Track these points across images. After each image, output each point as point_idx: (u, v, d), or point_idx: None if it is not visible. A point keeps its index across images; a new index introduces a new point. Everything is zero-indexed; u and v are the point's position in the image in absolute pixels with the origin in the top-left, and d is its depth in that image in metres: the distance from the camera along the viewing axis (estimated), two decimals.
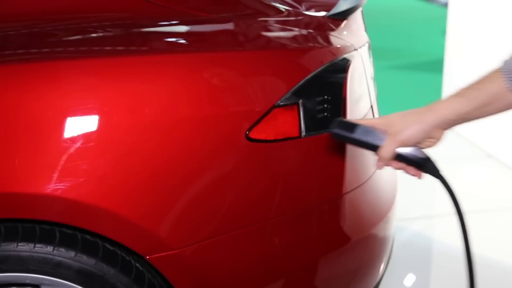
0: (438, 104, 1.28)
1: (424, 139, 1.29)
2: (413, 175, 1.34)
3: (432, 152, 1.32)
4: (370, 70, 1.88)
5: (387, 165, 1.32)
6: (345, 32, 1.69)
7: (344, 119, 1.33)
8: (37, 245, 1.34)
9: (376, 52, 2.39)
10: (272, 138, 1.45)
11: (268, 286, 1.56)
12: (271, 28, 1.61)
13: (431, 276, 2.71)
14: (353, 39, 1.71)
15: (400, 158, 1.30)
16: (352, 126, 1.32)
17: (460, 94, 1.27)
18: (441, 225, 3.14)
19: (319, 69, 1.51)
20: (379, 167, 1.33)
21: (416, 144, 1.29)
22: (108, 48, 1.42)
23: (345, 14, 1.72)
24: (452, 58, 4.39)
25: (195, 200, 1.39)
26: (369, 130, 1.31)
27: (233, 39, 1.59)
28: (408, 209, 3.12)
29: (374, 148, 1.31)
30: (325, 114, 1.51)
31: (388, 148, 1.29)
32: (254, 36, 1.58)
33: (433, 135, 1.28)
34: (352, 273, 1.72)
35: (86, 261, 1.37)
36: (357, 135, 1.31)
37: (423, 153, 1.31)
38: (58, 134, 1.29)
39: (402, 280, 2.61)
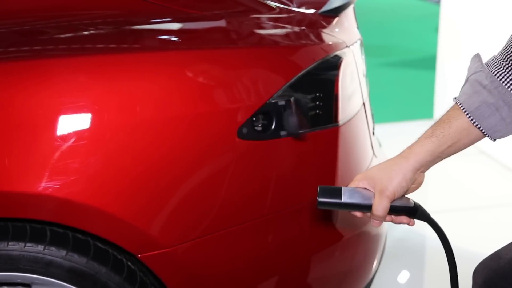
0: (411, 150, 1.29)
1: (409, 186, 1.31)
2: (406, 223, 1.35)
3: None
4: (362, 67, 1.88)
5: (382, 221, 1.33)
6: (337, 29, 1.69)
7: (325, 186, 1.32)
8: (27, 244, 1.34)
9: (369, 49, 2.40)
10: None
11: (261, 284, 1.56)
12: (263, 25, 1.61)
13: (424, 273, 2.71)
14: (345, 36, 1.71)
15: (391, 211, 1.30)
16: (336, 192, 1.30)
17: (430, 134, 1.28)
18: None
19: (311, 66, 1.51)
20: (377, 225, 1.33)
21: (404, 193, 1.31)
22: (99, 46, 1.41)
23: (337, 11, 1.72)
24: (444, 55, 4.39)
25: (187, 198, 1.39)
26: (353, 191, 1.30)
27: (225, 36, 1.58)
28: None
29: (366, 208, 1.30)
30: (317, 111, 1.51)
31: (380, 205, 1.28)
32: (246, 34, 1.57)
33: (415, 179, 1.31)
34: (346, 270, 1.72)
35: (77, 260, 1.36)
36: (345, 199, 1.29)
37: (410, 201, 1.33)
38: (49, 132, 1.28)
39: (395, 277, 2.61)
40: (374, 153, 1.89)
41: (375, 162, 1.88)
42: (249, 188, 1.47)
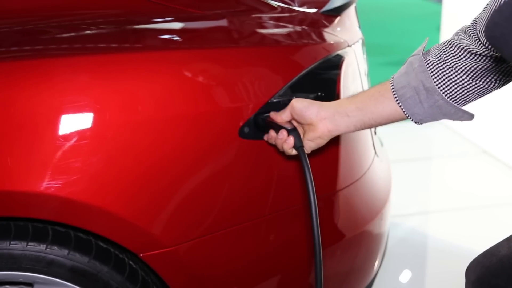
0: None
1: (307, 119, 1.38)
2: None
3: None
4: (364, 66, 1.88)
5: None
6: (338, 29, 1.69)
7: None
8: (29, 244, 1.34)
9: (370, 48, 2.39)
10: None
11: (263, 283, 1.56)
12: (265, 24, 1.61)
13: (426, 272, 2.71)
14: (347, 35, 1.71)
15: (274, 126, 1.40)
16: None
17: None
18: (436, 221, 3.15)
19: (312, 66, 1.51)
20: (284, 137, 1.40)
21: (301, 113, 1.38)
22: (101, 45, 1.41)
23: (338, 10, 1.72)
24: None
25: (189, 198, 1.39)
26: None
27: (227, 35, 1.58)
28: (403, 206, 3.12)
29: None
30: None
31: (282, 112, 1.41)
32: (247, 33, 1.57)
33: (313, 119, 1.37)
34: (347, 270, 1.72)
35: (79, 259, 1.36)
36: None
37: (292, 125, 1.40)
38: (51, 132, 1.28)
39: (397, 277, 2.61)
40: (375, 153, 1.89)
41: (377, 161, 1.88)
42: (250, 187, 1.47)
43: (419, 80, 1.29)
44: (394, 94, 1.31)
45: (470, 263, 1.45)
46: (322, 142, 1.40)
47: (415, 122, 1.33)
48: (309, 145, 1.40)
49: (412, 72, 1.30)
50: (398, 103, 1.31)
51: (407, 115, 1.32)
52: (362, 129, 1.38)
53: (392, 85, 1.32)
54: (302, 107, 1.38)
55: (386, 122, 1.36)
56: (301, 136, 1.40)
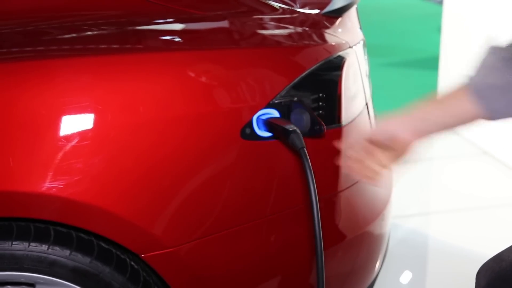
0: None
1: (389, 133, 1.30)
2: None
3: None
4: (365, 67, 1.88)
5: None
6: (340, 30, 1.69)
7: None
8: (31, 244, 1.34)
9: (371, 49, 2.39)
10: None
11: (264, 284, 1.56)
12: (266, 26, 1.61)
13: (427, 273, 2.71)
14: (348, 36, 1.71)
15: (272, 129, 1.39)
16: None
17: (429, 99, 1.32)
18: (436, 222, 3.15)
19: (314, 67, 1.51)
20: None
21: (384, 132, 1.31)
22: (102, 46, 1.42)
23: (340, 12, 1.72)
24: (447, 55, 4.39)
25: (190, 198, 1.39)
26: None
27: (228, 37, 1.58)
28: (404, 207, 3.12)
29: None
30: (320, 111, 1.51)
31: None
32: (249, 34, 1.57)
33: (397, 134, 1.28)
34: (348, 271, 1.72)
35: (81, 260, 1.36)
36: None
37: (292, 126, 1.39)
38: (52, 132, 1.28)
39: (398, 278, 2.61)
40: None
41: None
42: (252, 188, 1.47)
43: (505, 77, 1.22)
44: (476, 95, 1.24)
45: (480, 267, 1.45)
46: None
47: (491, 120, 1.26)
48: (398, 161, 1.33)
49: (495, 70, 1.24)
50: (481, 103, 1.24)
51: (487, 115, 1.25)
52: (443, 132, 1.31)
53: (470, 86, 1.26)
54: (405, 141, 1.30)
55: (464, 123, 1.29)
56: (394, 157, 1.32)
